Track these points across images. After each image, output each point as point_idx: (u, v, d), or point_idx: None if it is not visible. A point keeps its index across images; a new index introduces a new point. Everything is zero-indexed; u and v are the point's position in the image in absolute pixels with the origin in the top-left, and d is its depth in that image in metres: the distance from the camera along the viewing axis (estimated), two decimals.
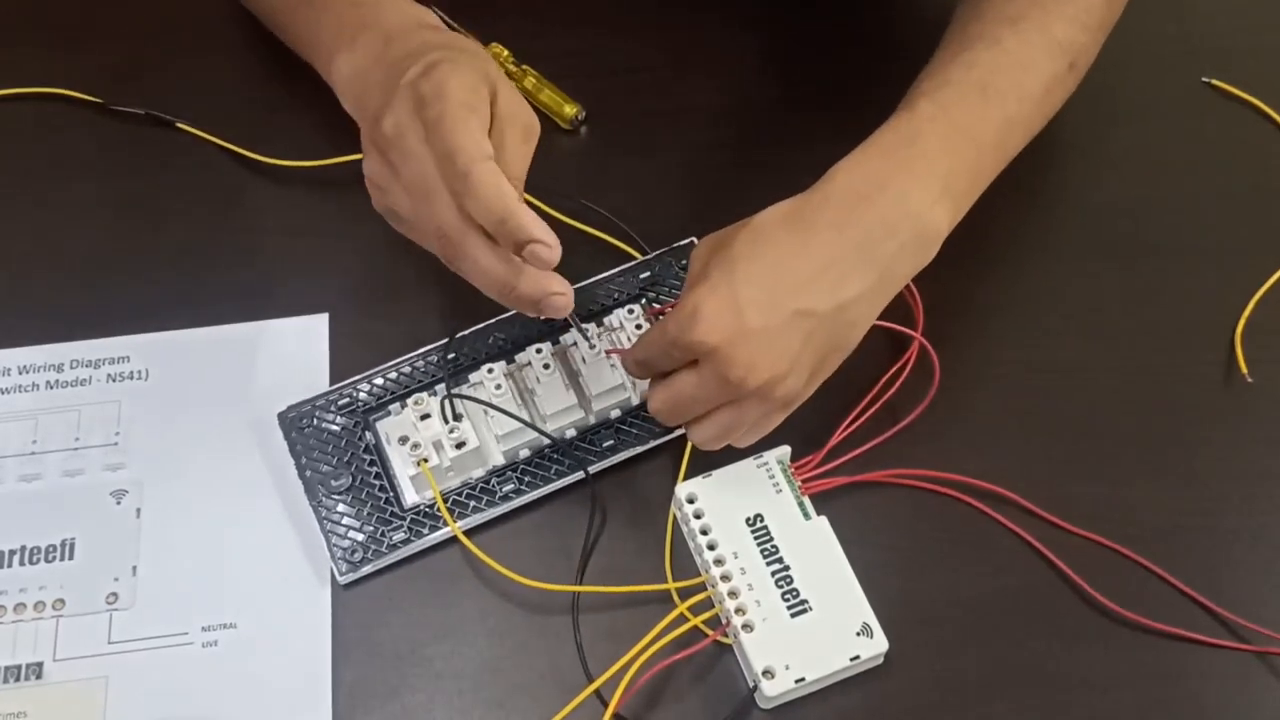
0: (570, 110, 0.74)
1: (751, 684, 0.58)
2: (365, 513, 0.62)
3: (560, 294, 0.57)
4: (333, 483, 0.62)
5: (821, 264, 0.56)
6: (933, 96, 0.60)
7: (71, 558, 0.61)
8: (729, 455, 0.62)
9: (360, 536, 0.61)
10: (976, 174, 0.61)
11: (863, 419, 0.63)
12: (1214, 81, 0.77)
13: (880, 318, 0.61)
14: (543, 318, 0.58)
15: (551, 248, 0.54)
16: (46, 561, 0.61)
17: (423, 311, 0.68)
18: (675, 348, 0.57)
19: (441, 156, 0.55)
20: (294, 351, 0.67)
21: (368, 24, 0.62)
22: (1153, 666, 0.59)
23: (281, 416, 0.64)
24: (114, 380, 0.66)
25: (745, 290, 0.55)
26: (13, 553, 0.62)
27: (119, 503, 0.63)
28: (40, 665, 0.59)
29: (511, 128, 0.58)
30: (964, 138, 0.60)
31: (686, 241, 0.69)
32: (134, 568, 0.61)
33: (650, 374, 0.60)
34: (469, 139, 0.54)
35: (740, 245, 0.57)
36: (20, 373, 0.66)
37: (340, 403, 0.65)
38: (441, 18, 0.77)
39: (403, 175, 0.57)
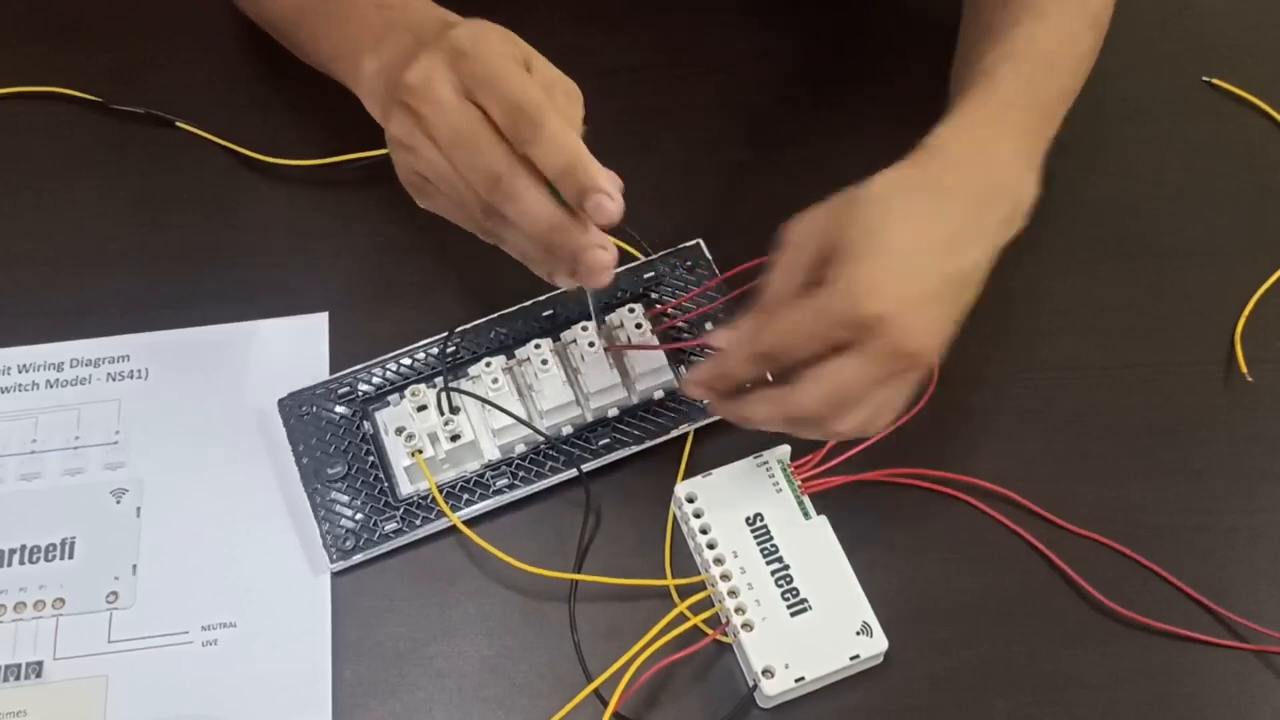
0: None
1: (751, 683, 0.58)
2: (360, 501, 0.62)
3: (604, 248, 0.54)
4: (329, 470, 0.63)
5: (954, 228, 0.55)
6: (1012, 66, 0.60)
7: (71, 557, 0.61)
8: (728, 455, 0.62)
9: (353, 525, 0.61)
10: (1045, 146, 0.61)
11: None
12: (1214, 81, 0.77)
13: None
14: (576, 285, 0.56)
15: (614, 199, 0.53)
16: (46, 560, 0.61)
17: (423, 311, 0.68)
18: (840, 326, 0.52)
19: (507, 108, 0.52)
20: (293, 350, 0.67)
21: (396, 24, 0.60)
22: (1152, 665, 0.59)
23: (281, 403, 0.64)
24: (114, 379, 0.66)
25: (902, 258, 0.53)
26: (13, 552, 0.62)
27: (119, 502, 0.63)
28: (40, 664, 0.59)
29: (555, 91, 0.55)
30: (1039, 110, 0.60)
31: (692, 243, 0.69)
32: (134, 566, 0.61)
33: (764, 370, 0.56)
34: (530, 85, 0.53)
35: (874, 215, 0.54)
36: (20, 372, 0.66)
37: (340, 391, 0.65)
38: None
39: (436, 127, 0.54)
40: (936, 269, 0.54)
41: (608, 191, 0.52)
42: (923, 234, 0.54)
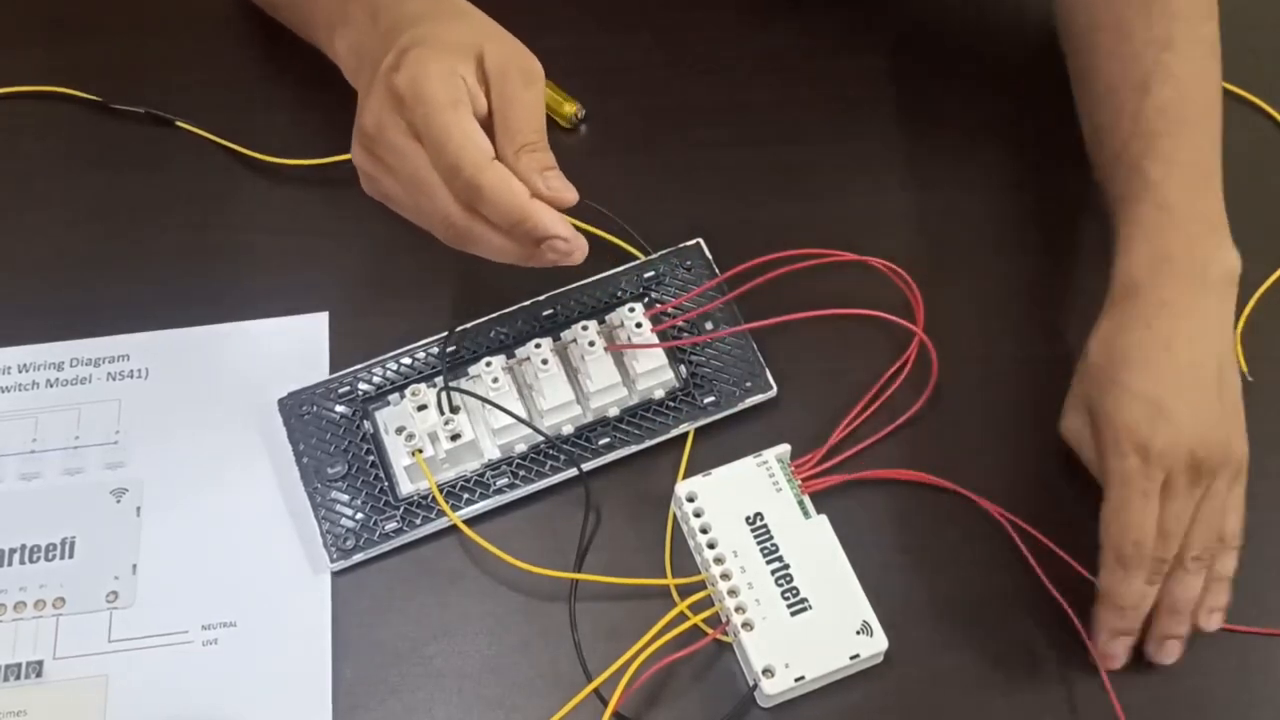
0: (570, 109, 0.74)
1: (751, 682, 0.58)
2: (360, 501, 0.62)
3: (569, 253, 0.55)
4: (329, 470, 0.63)
5: (1205, 359, 0.59)
6: (1164, 156, 0.61)
7: (71, 556, 0.61)
8: (728, 454, 0.62)
9: (353, 524, 0.61)
10: (1218, 199, 0.62)
11: (863, 416, 0.63)
12: None
13: (878, 315, 0.61)
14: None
15: (569, 241, 0.55)
16: (47, 560, 0.61)
17: (423, 310, 0.68)
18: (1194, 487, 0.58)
19: (445, 169, 0.54)
20: (294, 350, 0.67)
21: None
22: (1154, 665, 0.59)
23: (281, 403, 0.64)
24: (114, 379, 0.66)
25: (1176, 405, 0.57)
26: (13, 551, 0.62)
27: (119, 501, 0.63)
28: (40, 664, 0.59)
29: (509, 78, 0.56)
30: (1202, 180, 0.61)
31: (692, 243, 0.69)
32: (134, 566, 0.61)
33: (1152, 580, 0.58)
34: (466, 144, 0.53)
35: (1140, 384, 0.58)
36: (20, 371, 0.66)
37: (340, 390, 0.65)
38: None
39: (394, 170, 0.56)
40: (1207, 378, 0.58)
41: (561, 236, 0.54)
42: (1185, 367, 0.58)
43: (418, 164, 0.54)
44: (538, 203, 0.54)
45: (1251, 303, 0.68)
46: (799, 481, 0.62)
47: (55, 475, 0.64)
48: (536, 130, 0.56)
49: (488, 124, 0.55)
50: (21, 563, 0.61)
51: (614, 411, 0.64)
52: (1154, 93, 0.61)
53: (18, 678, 0.59)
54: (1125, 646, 0.58)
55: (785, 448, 0.62)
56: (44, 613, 0.60)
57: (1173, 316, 0.58)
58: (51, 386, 0.66)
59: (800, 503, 0.61)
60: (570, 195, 0.55)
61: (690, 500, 0.61)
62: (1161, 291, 0.59)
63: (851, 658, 0.57)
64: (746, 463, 0.62)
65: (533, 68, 0.56)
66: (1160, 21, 0.63)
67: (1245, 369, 0.66)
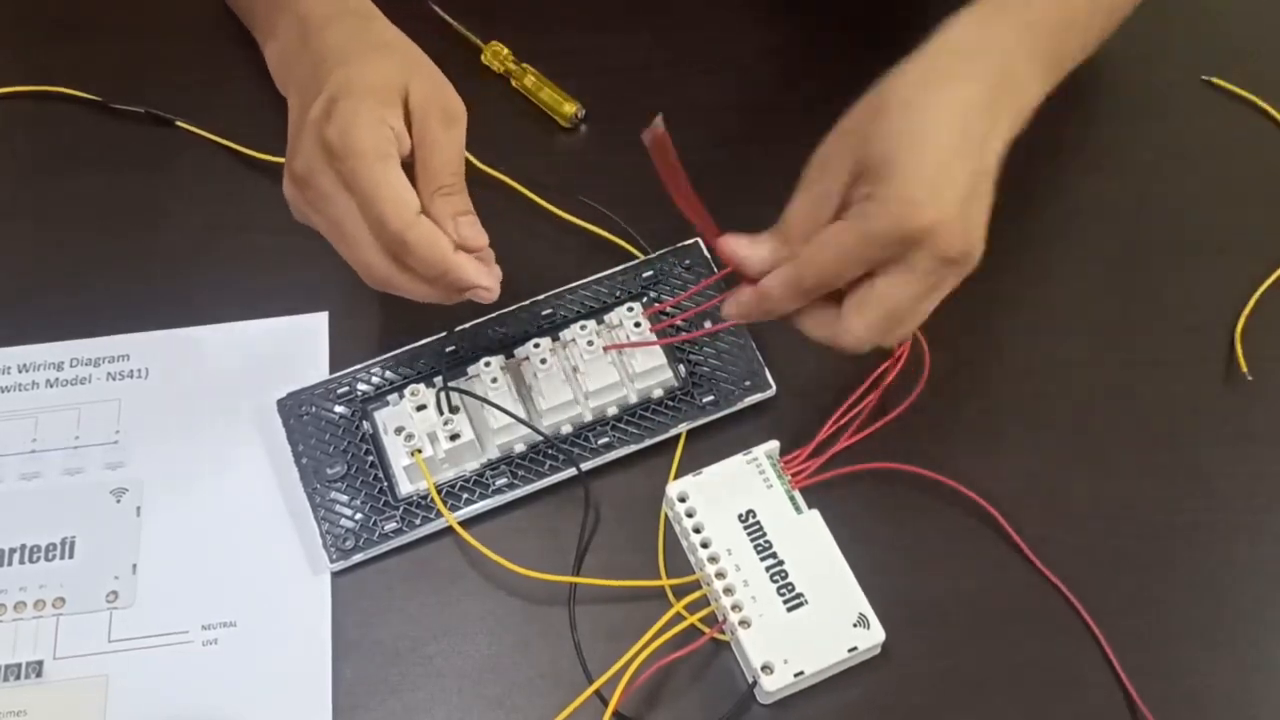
0: (570, 109, 0.74)
1: (750, 680, 0.58)
2: (359, 501, 0.62)
3: (488, 289, 0.57)
4: (328, 471, 0.63)
5: (976, 122, 0.55)
6: None
7: (71, 556, 0.62)
8: (719, 453, 0.62)
9: (353, 525, 0.61)
10: (1063, 51, 0.60)
11: (853, 412, 0.63)
12: (1214, 80, 0.77)
13: None
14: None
15: (491, 290, 0.57)
16: (47, 560, 0.61)
17: (422, 310, 0.67)
18: (888, 246, 0.53)
19: (372, 220, 0.55)
20: (294, 350, 0.67)
21: (285, 8, 0.61)
22: (1152, 663, 0.59)
23: (280, 403, 0.64)
24: (114, 379, 0.66)
25: (937, 166, 0.53)
26: (13, 551, 0.62)
27: (119, 501, 0.63)
28: (40, 664, 0.59)
29: (430, 119, 0.57)
30: (1060, 9, 0.59)
31: (690, 242, 0.69)
32: (134, 566, 0.61)
33: (810, 297, 0.55)
34: (393, 198, 0.55)
35: (899, 121, 0.54)
36: (20, 371, 0.66)
37: (339, 391, 0.65)
38: (441, 15, 0.78)
39: (321, 213, 0.57)
40: (968, 167, 0.54)
41: (483, 286, 0.57)
42: (950, 135, 0.54)
43: (344, 213, 0.56)
44: (461, 256, 0.56)
45: (1251, 303, 0.68)
46: (789, 477, 0.62)
47: (55, 475, 0.64)
48: (454, 173, 0.57)
49: (412, 161, 0.57)
50: (21, 563, 0.61)
51: (613, 411, 0.64)
52: None
53: (18, 678, 0.59)
54: (749, 313, 0.57)
55: (774, 444, 0.62)
56: (44, 613, 0.60)
57: (964, 91, 0.55)
58: (51, 386, 0.66)
59: (791, 498, 0.61)
60: (480, 241, 0.57)
61: (682, 500, 0.61)
62: (965, 59, 0.56)
63: (849, 651, 0.57)
64: (736, 461, 0.62)
65: (454, 107, 0.58)
66: None
67: (1245, 368, 0.66)
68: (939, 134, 0.54)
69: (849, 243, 0.53)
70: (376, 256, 0.57)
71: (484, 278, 0.57)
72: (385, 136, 0.56)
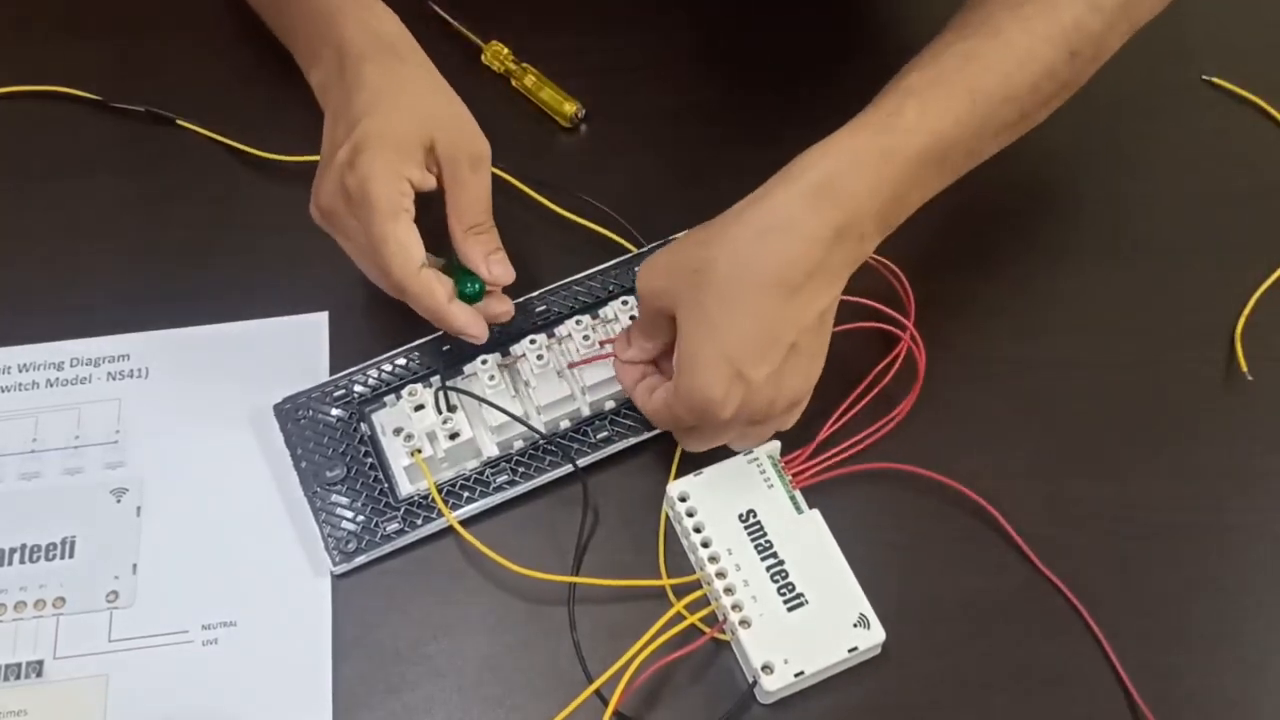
0: (570, 108, 0.74)
1: (751, 679, 0.58)
2: (360, 503, 0.62)
3: (476, 337, 0.62)
4: (328, 473, 0.63)
5: (792, 289, 0.55)
6: (920, 96, 0.58)
7: (72, 556, 0.62)
8: (719, 452, 0.62)
9: (354, 527, 0.61)
10: (933, 185, 0.60)
11: (852, 412, 0.63)
12: (1214, 79, 0.77)
13: (875, 313, 0.61)
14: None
15: (479, 338, 0.61)
16: (47, 560, 0.61)
17: None
18: (697, 418, 0.58)
19: (378, 267, 0.60)
20: (294, 349, 0.67)
21: (327, 40, 0.63)
22: (1151, 662, 0.59)
23: (278, 408, 0.64)
24: (114, 378, 0.66)
25: (740, 358, 0.55)
26: (13, 551, 0.62)
27: (119, 501, 0.63)
28: (40, 663, 0.59)
29: (458, 165, 0.61)
30: (937, 149, 0.58)
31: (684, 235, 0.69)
32: (134, 566, 0.61)
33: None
34: (398, 253, 0.59)
35: (713, 307, 0.55)
36: (20, 371, 0.66)
37: (336, 394, 0.65)
38: (441, 15, 0.78)
39: (340, 238, 0.62)
40: (779, 346, 0.56)
41: (471, 334, 0.61)
42: (759, 323, 0.56)
43: (359, 249, 0.62)
44: (455, 306, 0.61)
45: (1251, 303, 0.68)
46: (790, 477, 0.62)
47: (55, 475, 0.64)
48: (483, 212, 0.62)
49: (441, 197, 0.62)
50: (21, 562, 0.61)
51: (611, 405, 0.64)
52: (970, 39, 0.59)
53: (18, 678, 0.59)
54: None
55: (775, 444, 0.62)
56: (44, 613, 0.60)
57: (797, 245, 0.56)
58: (51, 386, 0.66)
59: (792, 498, 0.61)
60: (508, 279, 0.62)
61: (682, 500, 0.61)
62: (812, 198, 0.56)
63: (850, 650, 0.57)
64: (737, 460, 0.62)
65: (479, 151, 0.62)
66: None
67: (1245, 368, 0.66)
68: (746, 326, 0.55)
69: (664, 410, 0.59)
70: (397, 290, 0.61)
71: (473, 326, 0.61)
72: (399, 191, 0.59)
